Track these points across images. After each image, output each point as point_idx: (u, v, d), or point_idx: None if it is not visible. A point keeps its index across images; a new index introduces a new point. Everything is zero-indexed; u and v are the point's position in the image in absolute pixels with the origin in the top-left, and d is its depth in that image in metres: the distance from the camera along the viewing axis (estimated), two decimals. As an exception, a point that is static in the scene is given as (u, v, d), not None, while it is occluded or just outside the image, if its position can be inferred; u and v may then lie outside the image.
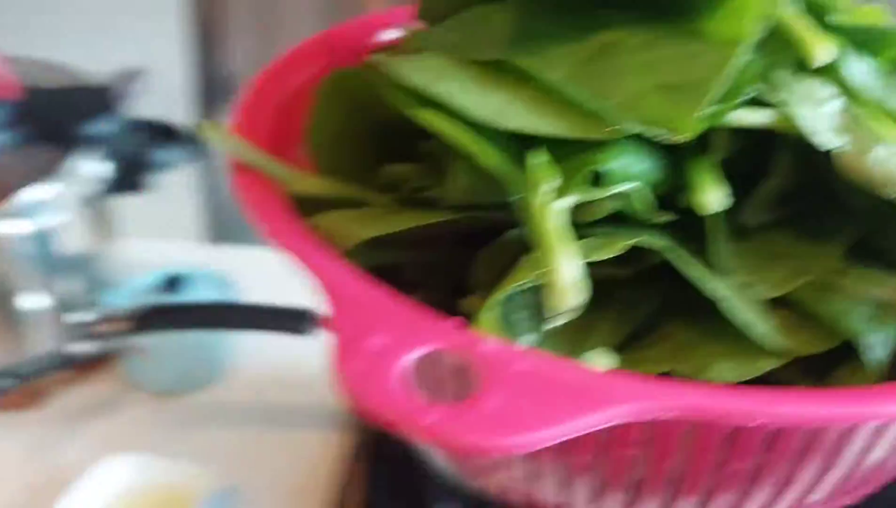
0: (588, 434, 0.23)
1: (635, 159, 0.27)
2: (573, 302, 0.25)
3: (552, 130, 0.26)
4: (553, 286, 0.25)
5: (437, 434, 0.22)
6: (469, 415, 0.22)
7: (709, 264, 0.28)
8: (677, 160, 0.28)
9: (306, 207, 0.29)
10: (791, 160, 0.29)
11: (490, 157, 0.26)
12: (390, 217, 0.28)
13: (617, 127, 0.26)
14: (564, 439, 0.22)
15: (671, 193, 0.28)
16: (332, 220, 0.29)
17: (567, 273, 0.25)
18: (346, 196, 0.30)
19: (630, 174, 0.27)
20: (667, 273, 0.28)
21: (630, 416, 0.23)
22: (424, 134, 0.28)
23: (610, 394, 0.23)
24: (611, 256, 0.27)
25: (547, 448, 0.22)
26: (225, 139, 0.30)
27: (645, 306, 0.29)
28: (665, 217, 0.28)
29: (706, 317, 0.28)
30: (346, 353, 0.23)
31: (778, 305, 0.28)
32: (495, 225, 0.28)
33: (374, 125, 0.31)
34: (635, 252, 0.27)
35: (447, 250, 0.29)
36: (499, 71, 0.27)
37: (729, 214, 0.29)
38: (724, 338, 0.28)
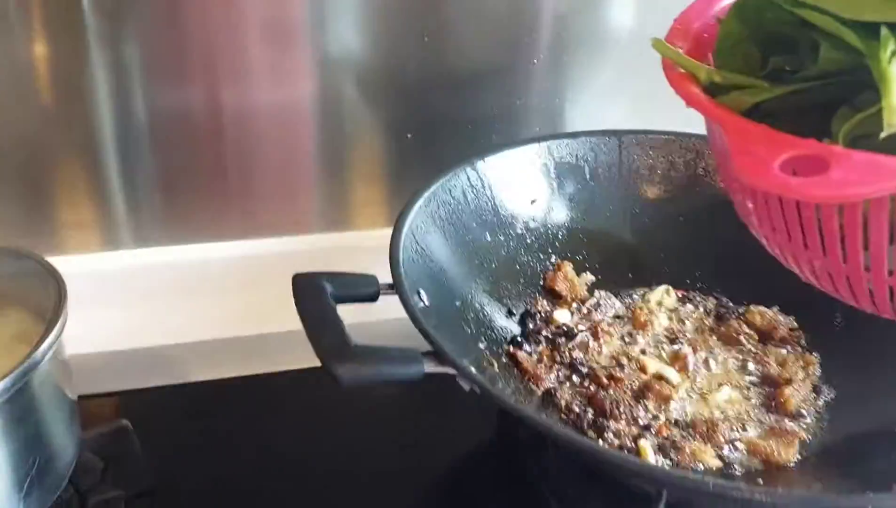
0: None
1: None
2: None
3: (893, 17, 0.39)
4: (889, 107, 0.37)
5: (798, 190, 0.35)
6: (819, 180, 0.35)
7: None
8: None
9: (711, 91, 0.45)
10: None
11: (850, 35, 0.40)
12: (770, 90, 0.44)
13: None
14: (883, 193, 0.35)
15: None
16: (729, 97, 0.44)
17: None
18: (740, 83, 0.45)
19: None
20: None
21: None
22: (794, 37, 0.43)
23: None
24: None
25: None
26: (663, 47, 0.46)
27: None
28: None
29: None
30: (739, 156, 0.37)
31: None
32: (843, 93, 0.42)
33: (760, 34, 0.45)
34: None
35: (808, 119, 0.42)
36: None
37: None
38: None
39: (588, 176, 0.75)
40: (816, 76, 0.42)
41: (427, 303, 0.57)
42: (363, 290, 0.54)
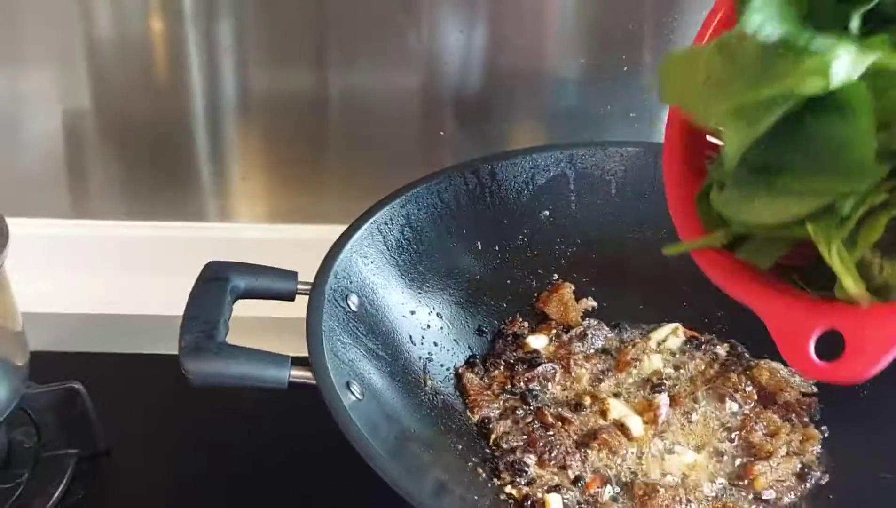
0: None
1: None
2: (864, 297, 0.37)
3: (809, 210, 0.38)
4: (851, 294, 0.37)
5: (832, 375, 0.36)
6: (844, 363, 0.36)
7: None
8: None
9: (733, 245, 0.43)
10: None
11: (797, 232, 0.39)
12: (775, 249, 0.42)
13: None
14: None
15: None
16: (747, 249, 0.43)
17: (851, 287, 0.37)
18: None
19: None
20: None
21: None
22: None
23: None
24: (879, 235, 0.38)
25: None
26: (676, 248, 0.46)
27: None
28: None
29: None
30: (780, 342, 0.38)
31: None
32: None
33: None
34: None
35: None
36: (766, 181, 0.39)
37: None
38: None
39: (614, 192, 0.68)
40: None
41: (356, 308, 0.53)
42: (278, 287, 0.51)
